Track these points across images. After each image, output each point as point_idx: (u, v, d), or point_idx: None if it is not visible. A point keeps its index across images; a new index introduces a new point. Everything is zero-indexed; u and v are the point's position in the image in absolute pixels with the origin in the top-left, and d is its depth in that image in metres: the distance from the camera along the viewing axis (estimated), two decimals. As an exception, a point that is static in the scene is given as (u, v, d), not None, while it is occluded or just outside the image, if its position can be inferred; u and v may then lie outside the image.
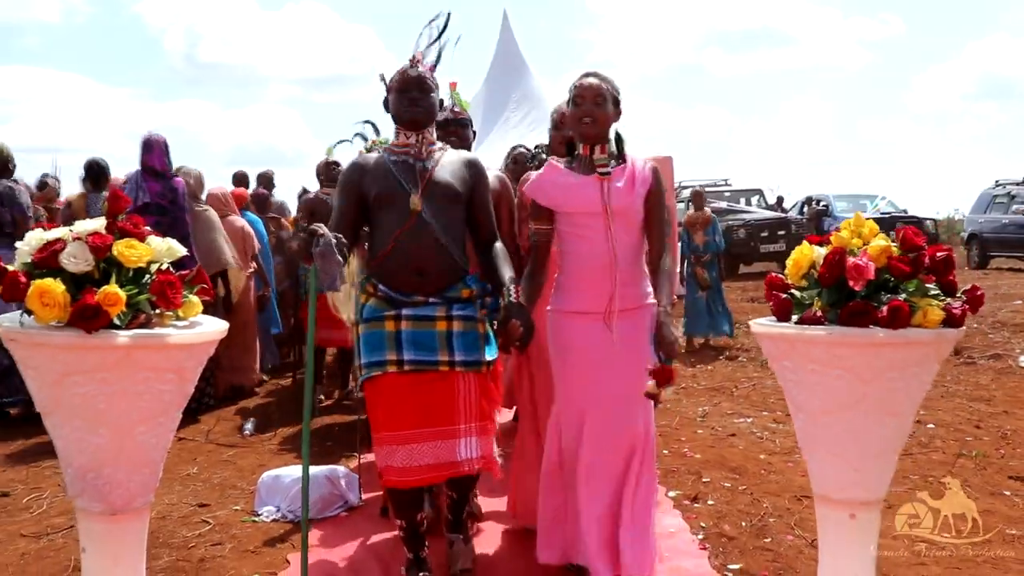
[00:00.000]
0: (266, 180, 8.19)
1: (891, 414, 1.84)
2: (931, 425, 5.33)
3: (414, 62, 2.76)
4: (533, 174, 3.01)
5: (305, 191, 6.63)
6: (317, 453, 4.66)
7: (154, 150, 5.40)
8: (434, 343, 2.63)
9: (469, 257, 2.83)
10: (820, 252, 1.90)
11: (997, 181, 15.87)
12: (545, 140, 6.41)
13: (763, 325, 1.95)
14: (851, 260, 1.80)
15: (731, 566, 3.20)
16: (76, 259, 1.65)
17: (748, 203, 16.98)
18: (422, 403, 2.61)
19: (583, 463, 2.72)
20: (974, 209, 16.25)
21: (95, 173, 5.96)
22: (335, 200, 2.78)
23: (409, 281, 2.64)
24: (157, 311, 1.73)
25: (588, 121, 2.65)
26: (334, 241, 2.38)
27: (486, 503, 3.78)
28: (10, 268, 1.68)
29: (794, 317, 1.92)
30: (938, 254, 1.83)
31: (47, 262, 1.67)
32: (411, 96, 2.71)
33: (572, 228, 2.71)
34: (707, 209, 8.80)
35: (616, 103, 2.73)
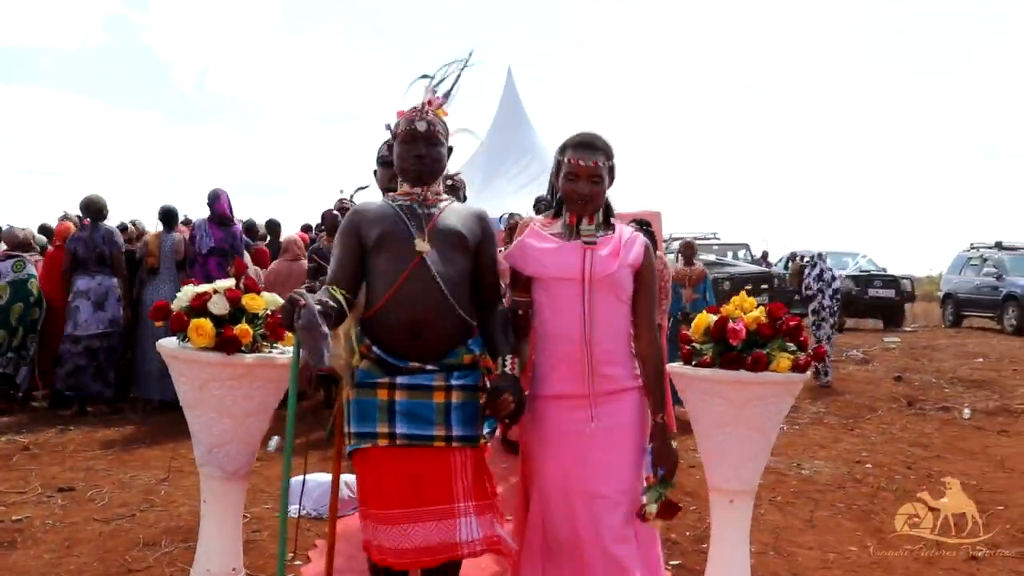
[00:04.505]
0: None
1: (757, 431, 2.70)
2: (868, 465, 6.07)
3: (423, 110, 2.48)
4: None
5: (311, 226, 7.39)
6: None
7: (221, 200, 6.41)
8: (431, 416, 2.36)
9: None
10: (713, 318, 2.77)
11: (972, 244, 16.78)
12: (543, 192, 7.06)
13: (673, 367, 2.81)
14: (731, 324, 2.66)
15: (672, 563, 4.01)
16: (218, 306, 2.53)
17: (735, 256, 17.72)
18: (414, 480, 2.35)
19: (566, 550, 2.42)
20: (950, 270, 17.08)
21: (166, 217, 7.01)
22: (334, 250, 2.48)
23: (405, 341, 2.36)
24: (264, 342, 2.60)
25: (582, 203, 2.43)
26: (318, 309, 2.12)
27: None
28: (174, 310, 2.56)
29: (694, 362, 2.77)
30: (791, 323, 2.69)
31: (198, 307, 2.54)
32: (417, 151, 2.44)
33: (547, 298, 2.47)
34: (698, 263, 8.32)
35: (612, 173, 2.48)
